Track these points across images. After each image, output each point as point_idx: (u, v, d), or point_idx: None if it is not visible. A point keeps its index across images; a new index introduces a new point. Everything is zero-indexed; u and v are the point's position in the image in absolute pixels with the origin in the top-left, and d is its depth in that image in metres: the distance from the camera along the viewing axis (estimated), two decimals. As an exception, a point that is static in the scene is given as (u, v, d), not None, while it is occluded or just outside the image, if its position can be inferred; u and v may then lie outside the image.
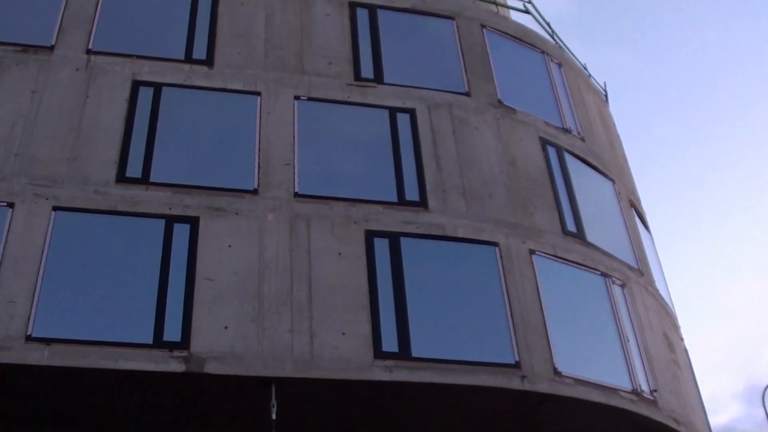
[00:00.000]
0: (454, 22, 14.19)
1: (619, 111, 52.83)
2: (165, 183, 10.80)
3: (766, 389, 22.31)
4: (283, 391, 9.44)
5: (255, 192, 10.98)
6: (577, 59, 16.35)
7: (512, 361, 10.19)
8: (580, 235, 12.19)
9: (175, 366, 9.22)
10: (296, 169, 11.35)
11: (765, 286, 57.93)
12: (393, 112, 12.45)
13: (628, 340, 11.46)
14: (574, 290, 11.62)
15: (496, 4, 15.75)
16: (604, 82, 17.33)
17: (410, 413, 10.33)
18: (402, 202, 11.42)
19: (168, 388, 9.52)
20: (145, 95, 11.68)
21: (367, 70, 12.89)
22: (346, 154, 11.86)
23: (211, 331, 9.58)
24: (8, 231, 9.88)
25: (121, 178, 10.72)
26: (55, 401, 9.55)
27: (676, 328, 13.77)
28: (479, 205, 11.71)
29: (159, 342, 9.38)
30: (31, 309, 9.32)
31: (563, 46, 16.44)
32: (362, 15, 13.68)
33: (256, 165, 11.26)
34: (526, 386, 10.04)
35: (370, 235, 10.88)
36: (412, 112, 12.50)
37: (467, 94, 13.11)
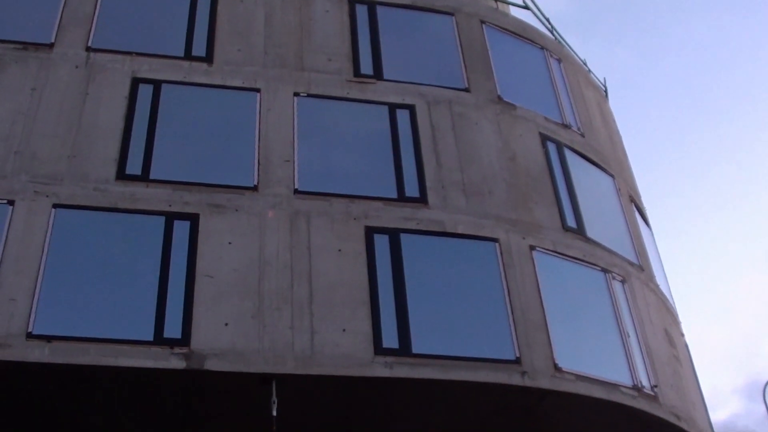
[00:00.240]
0: (454, 18, 14.17)
1: (619, 107, 52.84)
2: (165, 180, 10.80)
3: (767, 385, 22.30)
4: (283, 387, 9.44)
5: (255, 189, 10.97)
6: (576, 55, 16.34)
7: (513, 357, 10.19)
8: (580, 231, 12.18)
9: (176, 363, 9.22)
10: (296, 166, 11.34)
11: (766, 281, 57.95)
12: (393, 108, 12.44)
13: (629, 336, 11.45)
14: (574, 286, 11.61)
15: (496, 0, 15.73)
16: (604, 78, 17.34)
17: (411, 409, 10.33)
18: (402, 198, 11.41)
19: (168, 385, 9.52)
20: (145, 92, 11.67)
21: (366, 67, 12.88)
22: (345, 150, 11.86)
23: (212, 328, 9.58)
24: (8, 229, 9.88)
25: (121, 175, 10.72)
26: (55, 398, 9.55)
27: (676, 323, 13.77)
28: (479, 201, 11.70)
29: (159, 339, 9.38)
30: (31, 306, 9.32)
31: (563, 42, 16.43)
32: (361, 11, 13.67)
33: (256, 162, 11.26)
34: (527, 382, 10.04)
35: (370, 232, 10.87)
36: (411, 108, 12.48)
37: (467, 90, 13.10)
